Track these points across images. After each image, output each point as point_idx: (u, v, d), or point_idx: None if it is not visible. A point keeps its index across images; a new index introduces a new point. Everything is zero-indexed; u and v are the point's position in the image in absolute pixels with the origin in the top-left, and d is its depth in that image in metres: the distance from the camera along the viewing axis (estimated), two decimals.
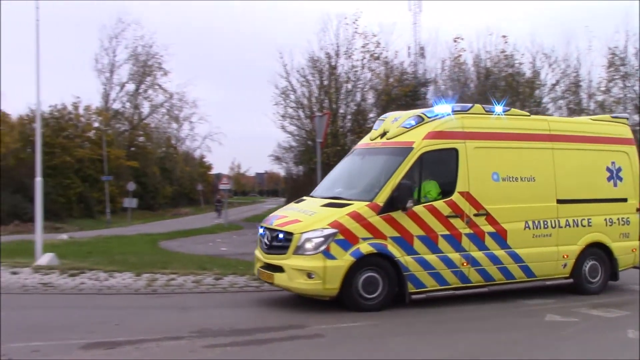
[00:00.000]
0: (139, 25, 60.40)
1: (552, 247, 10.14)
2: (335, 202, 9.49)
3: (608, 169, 10.88)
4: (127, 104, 57.57)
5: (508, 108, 10.83)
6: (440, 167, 9.73)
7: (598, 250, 10.63)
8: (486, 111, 10.18)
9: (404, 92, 29.64)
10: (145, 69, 56.34)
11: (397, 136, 9.93)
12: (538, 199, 10.12)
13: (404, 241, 9.10)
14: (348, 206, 9.12)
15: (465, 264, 9.41)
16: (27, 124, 45.55)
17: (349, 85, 31.20)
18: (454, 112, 9.82)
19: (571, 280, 10.35)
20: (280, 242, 9.08)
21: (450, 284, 9.39)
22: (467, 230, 9.45)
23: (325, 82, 31.36)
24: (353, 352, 6.81)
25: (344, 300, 8.79)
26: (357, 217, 8.88)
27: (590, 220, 10.51)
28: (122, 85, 56.19)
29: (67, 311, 8.76)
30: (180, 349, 6.71)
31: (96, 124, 51.68)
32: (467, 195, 9.50)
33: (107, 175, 45.34)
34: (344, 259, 8.67)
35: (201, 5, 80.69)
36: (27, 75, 59.58)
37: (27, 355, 6.30)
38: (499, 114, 10.24)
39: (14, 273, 11.89)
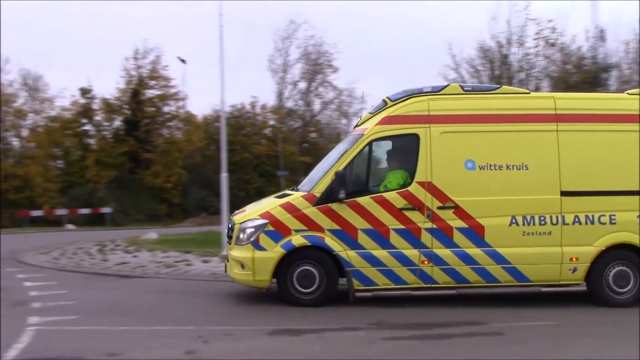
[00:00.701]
0: (309, 25, 62.37)
1: (552, 248, 8.58)
2: (284, 193, 9.37)
3: None
4: (300, 102, 59.85)
5: (498, 86, 9.78)
6: (398, 155, 9.03)
7: (629, 254, 8.68)
8: (465, 91, 9.10)
9: (583, 78, 27.83)
10: (315, 67, 58.15)
11: (363, 122, 9.32)
12: (532, 191, 8.67)
13: (346, 234, 8.54)
14: (285, 197, 8.96)
15: (426, 262, 8.52)
16: (211, 123, 49.06)
17: (522, 74, 29.96)
18: (422, 93, 8.91)
19: (584, 288, 8.85)
20: (230, 232, 9.10)
21: (409, 283, 8.59)
22: (429, 225, 8.53)
23: (497, 72, 30.38)
24: (534, 351, 6.54)
25: (280, 293, 8.64)
26: (289, 207, 8.61)
27: (613, 217, 8.61)
28: (295, 84, 58.45)
29: (253, 299, 9.34)
30: (359, 340, 6.90)
31: (272, 122, 54.41)
32: (428, 186, 8.57)
33: (282, 171, 47.56)
34: (274, 251, 8.45)
35: (367, 3, 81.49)
36: (208, 77, 64.07)
37: (221, 337, 6.84)
38: (482, 93, 9.24)
39: (205, 262, 12.96)
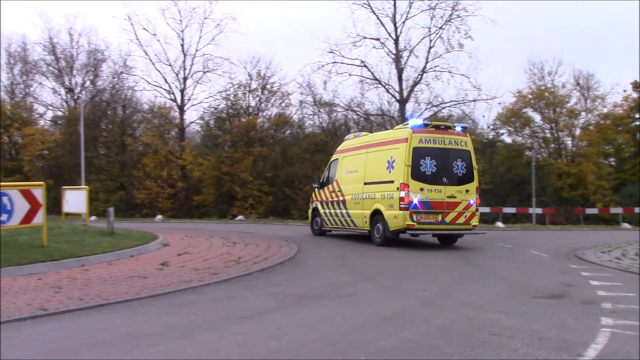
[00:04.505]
0: None
1: (361, 210, 17.71)
2: None
3: (388, 162, 16.70)
4: None
5: (360, 132, 22.53)
6: (336, 168, 19.89)
7: (379, 216, 16.79)
8: (354, 136, 20.54)
9: None
10: None
11: None
12: (357, 182, 18.13)
13: (322, 202, 20.29)
14: None
15: (338, 216, 19.16)
16: None
17: None
18: (345, 139, 20.84)
19: (368, 232, 17.66)
20: None
21: (341, 227, 19.30)
22: (337, 199, 19.26)
23: None
24: None
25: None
26: (314, 190, 21.25)
27: (374, 195, 17.11)
28: None
29: None
30: None
31: None
32: (337, 182, 19.46)
33: None
34: (310, 209, 21.49)
35: None
36: None
37: None
38: (356, 136, 20.38)
39: None
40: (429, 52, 38.69)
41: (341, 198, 18.71)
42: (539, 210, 35.21)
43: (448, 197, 15.99)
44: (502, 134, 48.15)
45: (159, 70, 44.77)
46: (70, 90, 47.08)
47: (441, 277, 11.68)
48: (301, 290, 9.77)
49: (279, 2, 77.55)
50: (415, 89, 39.60)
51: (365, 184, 17.52)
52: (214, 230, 22.84)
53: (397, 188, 15.87)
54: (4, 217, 11.76)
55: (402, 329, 6.98)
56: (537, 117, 45.75)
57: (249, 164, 41.50)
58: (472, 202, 16.28)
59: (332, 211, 19.34)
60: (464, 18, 37.33)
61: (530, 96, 45.19)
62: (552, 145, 45.81)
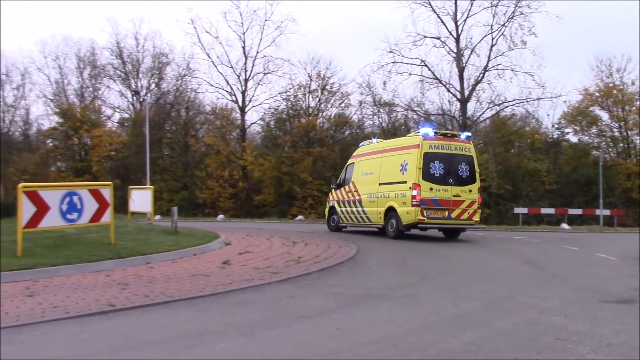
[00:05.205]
0: None
1: (376, 208, 19.98)
2: None
3: (401, 165, 18.92)
4: None
5: (375, 139, 22.85)
6: (352, 170, 22.11)
7: (393, 212, 19.05)
8: (369, 143, 22.44)
9: None
10: None
11: None
12: (372, 183, 20.34)
13: (339, 201, 22.47)
14: None
15: (354, 214, 21.37)
16: None
17: None
18: (360, 145, 23.06)
19: (382, 227, 19.89)
20: None
21: (356, 223, 21.54)
22: (353, 198, 21.47)
23: None
24: None
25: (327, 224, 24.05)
26: (331, 190, 23.65)
27: (389, 194, 19.32)
28: None
29: None
30: None
31: None
32: (353, 183, 21.67)
33: None
34: (327, 208, 23.79)
35: None
36: None
37: None
38: (371, 142, 22.29)
39: None
40: (491, 50, 38.08)
41: (357, 197, 21.23)
42: (607, 212, 34.06)
43: (454, 196, 18.39)
44: (568, 133, 46.87)
45: (220, 73, 45.71)
46: (136, 93, 48.60)
47: (503, 279, 11.44)
48: (361, 290, 9.75)
49: (338, 2, 77.71)
50: (477, 87, 39.01)
51: (380, 184, 19.92)
52: (274, 230, 23.08)
53: (410, 187, 18.29)
54: (75, 215, 12.23)
55: (463, 331, 6.87)
56: (604, 116, 44.34)
57: (308, 165, 41.74)
58: (474, 200, 18.68)
59: (349, 209, 21.73)
60: (527, 15, 36.50)
61: (597, 94, 43.77)
62: (621, 144, 44.24)
